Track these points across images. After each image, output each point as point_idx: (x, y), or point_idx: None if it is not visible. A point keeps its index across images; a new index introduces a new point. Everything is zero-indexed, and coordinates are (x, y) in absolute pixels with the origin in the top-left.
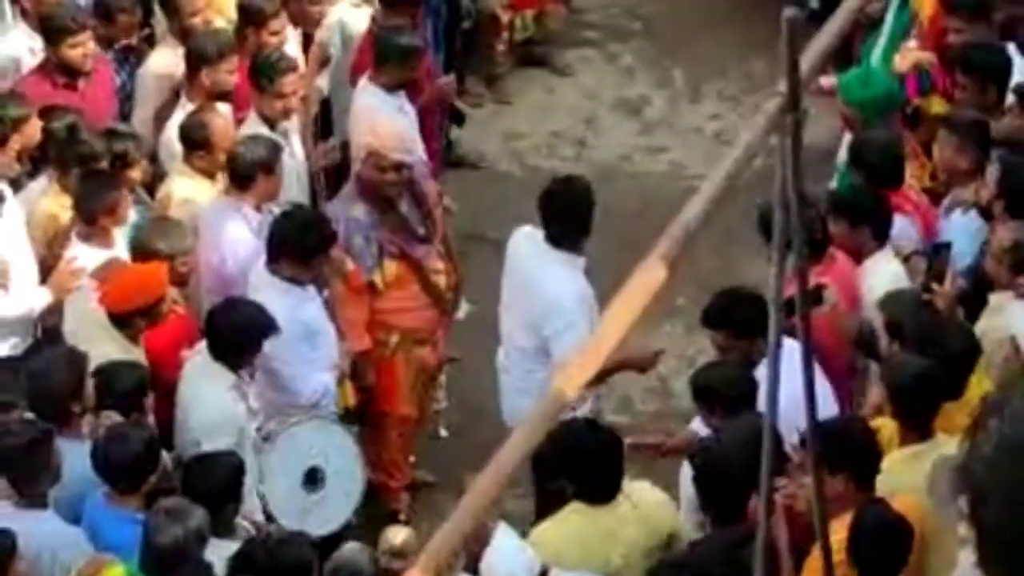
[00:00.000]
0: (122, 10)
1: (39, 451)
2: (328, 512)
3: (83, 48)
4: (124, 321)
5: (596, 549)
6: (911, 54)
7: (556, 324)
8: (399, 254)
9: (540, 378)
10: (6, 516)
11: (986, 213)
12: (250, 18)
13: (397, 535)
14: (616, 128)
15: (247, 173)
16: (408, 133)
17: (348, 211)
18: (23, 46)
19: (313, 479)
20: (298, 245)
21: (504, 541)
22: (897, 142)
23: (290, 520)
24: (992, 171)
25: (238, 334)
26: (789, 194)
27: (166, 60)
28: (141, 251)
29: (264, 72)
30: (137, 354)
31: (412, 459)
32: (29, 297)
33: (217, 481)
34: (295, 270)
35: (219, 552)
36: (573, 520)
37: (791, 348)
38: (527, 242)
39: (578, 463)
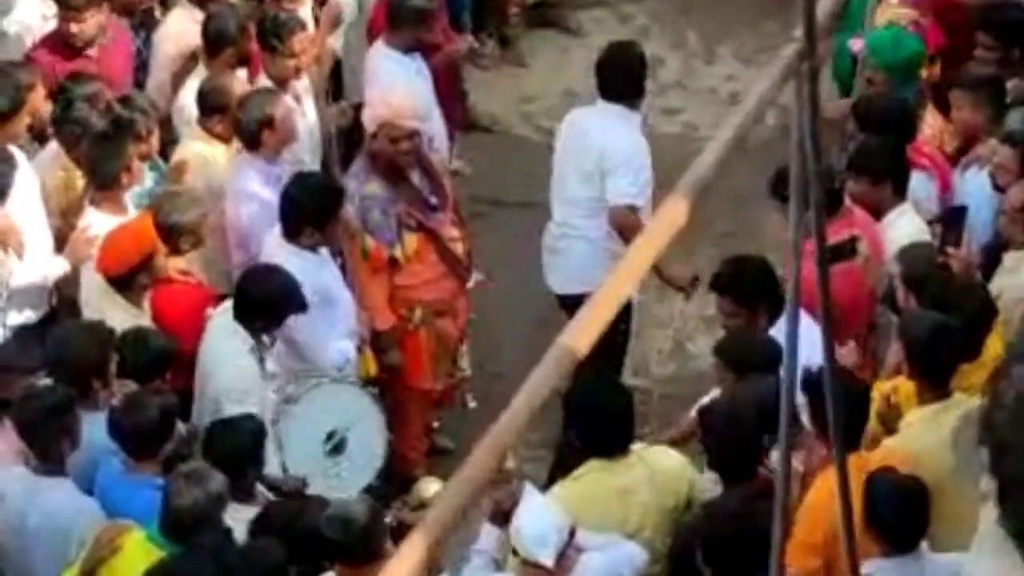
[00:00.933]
0: None
1: (61, 417)
2: (349, 475)
3: (94, 21)
4: (125, 283)
5: (613, 508)
6: (889, 10)
7: (615, 174)
8: (417, 226)
9: (590, 236)
10: (23, 481)
11: (997, 184)
12: None
13: (428, 488)
14: None
15: (251, 133)
16: (422, 98)
17: (363, 188)
18: (36, 12)
19: (335, 443)
20: (309, 211)
21: (533, 501)
22: (903, 97)
23: (310, 483)
24: (1008, 126)
25: (267, 302)
26: (806, 142)
27: (182, 24)
28: (161, 227)
29: (272, 32)
30: (144, 319)
31: (436, 424)
32: (44, 266)
33: (237, 445)
34: (310, 237)
35: (240, 516)
36: (589, 479)
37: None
38: (581, 109)
39: (585, 415)
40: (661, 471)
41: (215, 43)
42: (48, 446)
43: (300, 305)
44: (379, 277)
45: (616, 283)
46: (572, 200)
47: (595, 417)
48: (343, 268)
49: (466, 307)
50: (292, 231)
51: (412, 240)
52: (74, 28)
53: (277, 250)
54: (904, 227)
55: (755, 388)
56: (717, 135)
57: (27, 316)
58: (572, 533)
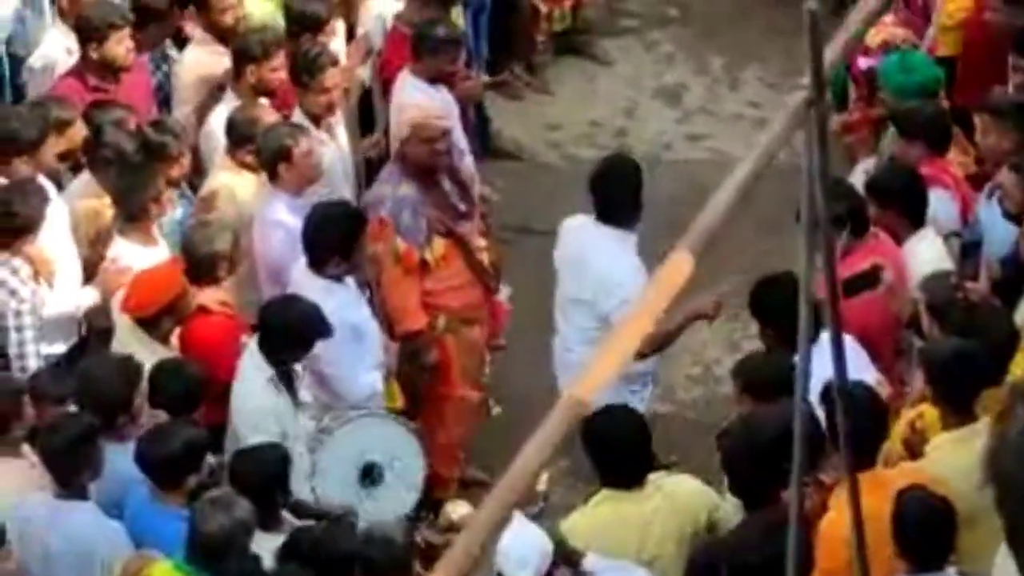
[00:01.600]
0: (160, 12)
1: (83, 447)
2: (383, 508)
3: (126, 43)
4: (152, 324)
5: (628, 538)
6: (884, 30)
7: (612, 300)
8: (445, 231)
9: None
10: (46, 505)
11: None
12: (306, 23)
13: (456, 509)
14: (656, 116)
15: (268, 165)
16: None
17: (395, 190)
18: (60, 46)
19: (370, 475)
20: (333, 241)
21: (518, 526)
22: (943, 109)
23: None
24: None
25: (289, 332)
26: (815, 188)
27: (200, 58)
28: (195, 260)
29: (304, 68)
30: (166, 355)
31: (461, 455)
32: (76, 295)
33: (263, 473)
34: (335, 266)
35: (267, 545)
36: (604, 509)
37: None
38: (577, 227)
39: (603, 448)
40: (680, 500)
41: (239, 61)
42: (69, 475)
43: (324, 331)
44: (411, 279)
45: (624, 336)
46: (572, 324)
47: (610, 448)
48: (371, 301)
49: (492, 318)
50: (317, 261)
51: (440, 244)
52: (95, 55)
53: (303, 281)
54: (924, 253)
55: (773, 412)
56: (723, 186)
57: (57, 346)
58: (575, 560)
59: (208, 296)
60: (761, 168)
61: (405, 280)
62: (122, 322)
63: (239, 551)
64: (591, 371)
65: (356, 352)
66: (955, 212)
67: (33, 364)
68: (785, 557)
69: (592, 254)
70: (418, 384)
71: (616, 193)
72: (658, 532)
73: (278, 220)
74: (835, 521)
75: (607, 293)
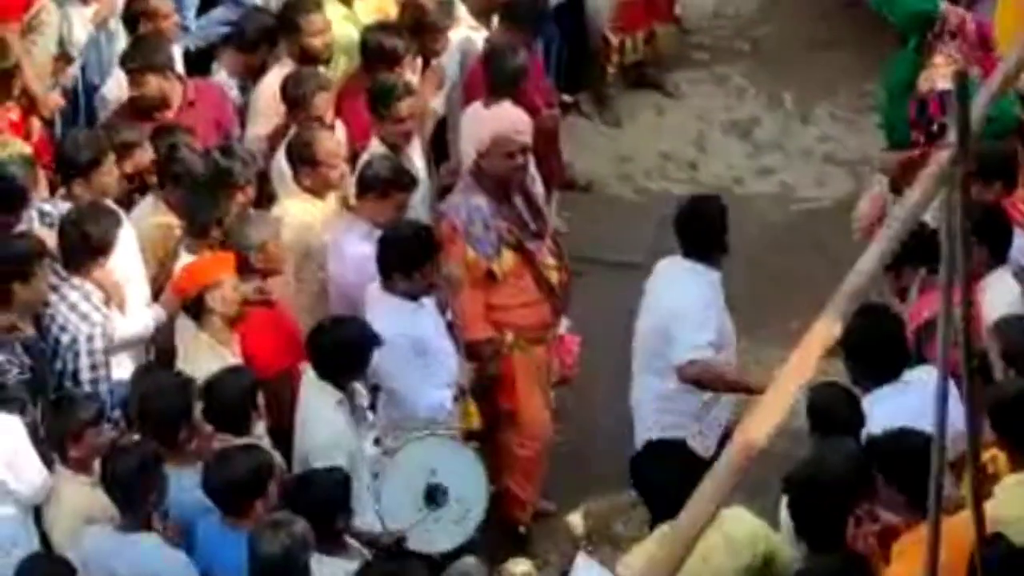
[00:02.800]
0: (257, 42)
1: (148, 473)
2: (447, 531)
3: (158, 83)
4: (198, 309)
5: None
6: (938, 71)
7: (679, 326)
8: (515, 244)
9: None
10: (108, 539)
11: None
12: (383, 58)
13: (517, 566)
14: (726, 150)
15: (362, 188)
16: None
17: (468, 200)
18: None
19: (434, 497)
20: (404, 259)
21: (584, 565)
22: (1012, 147)
23: (409, 538)
24: None
25: (340, 352)
26: (957, 247)
27: (278, 82)
28: (232, 245)
29: (381, 98)
30: (231, 356)
31: (538, 476)
32: (145, 316)
33: (321, 496)
34: (407, 284)
35: (329, 570)
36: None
37: (927, 379)
38: (664, 265)
39: (653, 484)
40: (735, 532)
41: (289, 104)
42: (134, 502)
43: (372, 343)
44: (476, 290)
45: (787, 383)
46: (642, 357)
47: (663, 487)
48: (451, 326)
49: (561, 349)
50: (384, 278)
51: (510, 257)
52: (135, 92)
53: (375, 298)
54: (998, 292)
55: (840, 452)
56: (872, 248)
57: (128, 370)
58: None
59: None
60: (909, 226)
61: (471, 290)
62: (185, 329)
63: (299, 570)
64: (759, 414)
65: (422, 368)
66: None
67: (104, 389)
68: None
69: (667, 284)
70: (483, 399)
71: (700, 234)
72: (715, 568)
73: (353, 249)
74: (899, 572)
75: (675, 326)
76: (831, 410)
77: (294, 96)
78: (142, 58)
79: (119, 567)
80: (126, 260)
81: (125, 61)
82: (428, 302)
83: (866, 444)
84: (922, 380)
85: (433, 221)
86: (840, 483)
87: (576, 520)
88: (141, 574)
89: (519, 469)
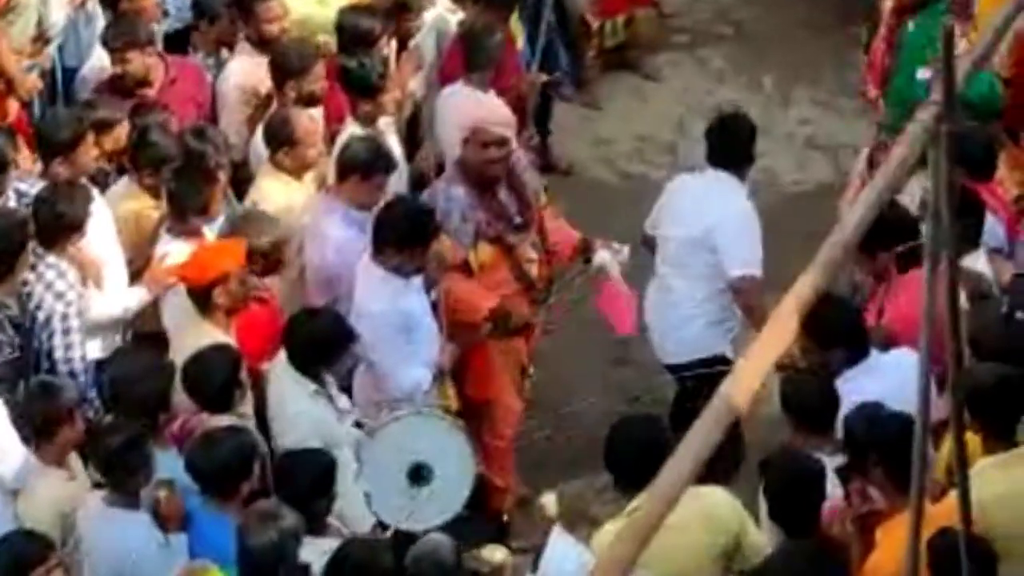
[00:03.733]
0: (215, 15)
1: (136, 450)
2: (434, 508)
3: (140, 60)
4: (204, 299)
5: (661, 544)
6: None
7: (724, 235)
8: (494, 238)
9: (708, 306)
10: (97, 513)
11: None
12: (359, 39)
13: (494, 553)
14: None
15: (343, 170)
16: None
17: (448, 190)
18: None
19: (419, 475)
20: (400, 234)
21: (559, 543)
22: (990, 134)
23: (394, 516)
24: None
25: (315, 345)
26: (942, 206)
27: (244, 68)
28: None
29: (358, 80)
30: (227, 341)
31: (512, 465)
32: (124, 297)
33: (308, 478)
34: (398, 259)
35: (309, 549)
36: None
37: (896, 359)
38: (685, 178)
39: (618, 454)
40: (712, 513)
41: (277, 76)
42: (125, 479)
43: (348, 338)
44: (461, 274)
45: (769, 342)
46: (676, 265)
47: (635, 454)
48: (435, 305)
49: (534, 332)
50: (376, 250)
51: (486, 250)
52: (119, 69)
53: (365, 268)
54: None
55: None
56: (858, 203)
57: (103, 348)
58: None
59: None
60: (895, 183)
61: (458, 275)
62: (181, 310)
63: (289, 562)
64: (742, 373)
65: (406, 344)
66: (1001, 233)
67: (79, 367)
68: None
69: (705, 198)
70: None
71: (732, 140)
72: (691, 542)
73: (334, 232)
74: (879, 561)
75: (723, 238)
76: (806, 399)
77: (292, 66)
78: (124, 35)
79: (101, 542)
80: (102, 239)
81: (107, 39)
82: (416, 280)
83: (844, 428)
84: (890, 363)
85: None
86: (816, 470)
87: (549, 500)
88: (121, 550)
89: (494, 459)
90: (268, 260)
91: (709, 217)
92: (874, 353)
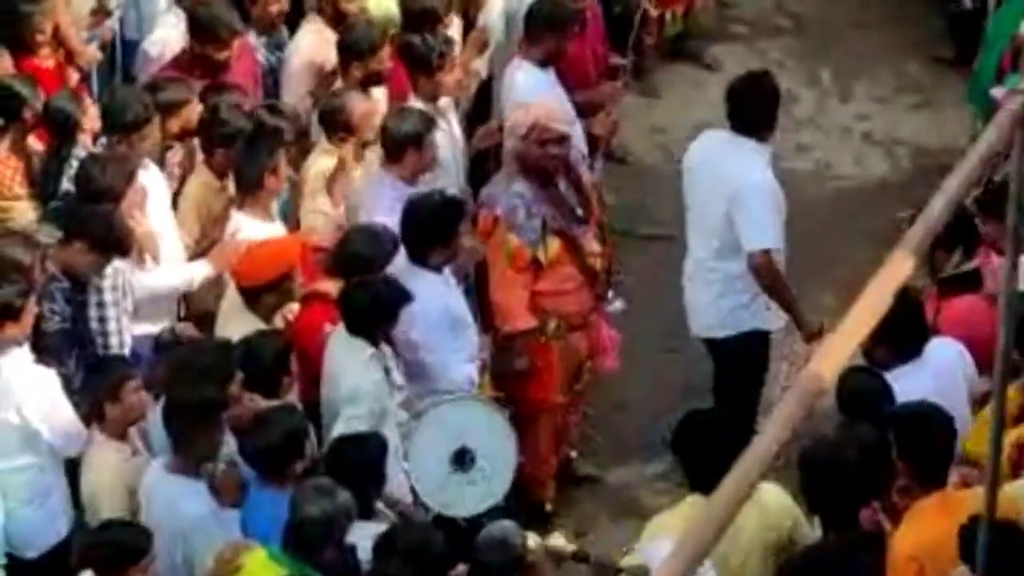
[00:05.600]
0: None
1: (205, 421)
2: (477, 493)
3: (228, 51)
4: (255, 297)
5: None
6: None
7: (744, 205)
8: (559, 232)
9: (740, 282)
10: (157, 478)
11: None
12: (423, 17)
13: (558, 539)
14: None
15: (396, 146)
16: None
17: (510, 186)
18: (177, 31)
19: (462, 459)
20: (435, 229)
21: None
22: None
23: (436, 500)
24: None
25: (372, 309)
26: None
27: (310, 42)
28: (344, 256)
29: (421, 59)
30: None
31: (574, 454)
32: (184, 270)
33: (362, 460)
34: (432, 255)
35: (358, 532)
36: (687, 513)
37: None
38: (707, 142)
39: (691, 450)
40: (769, 510)
41: (344, 56)
42: (185, 446)
43: (403, 298)
44: (521, 278)
45: (858, 321)
46: (707, 239)
47: (699, 454)
48: (467, 293)
49: (600, 326)
50: (416, 253)
51: (554, 245)
52: (218, 56)
53: (405, 271)
54: None
55: (855, 434)
56: (945, 185)
57: (154, 326)
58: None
59: (327, 285)
60: (977, 170)
61: (515, 279)
62: (231, 299)
63: (336, 540)
64: (829, 351)
65: (452, 341)
66: None
67: (115, 342)
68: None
69: (727, 163)
70: (508, 385)
71: (754, 103)
72: (745, 540)
73: (388, 206)
74: (901, 537)
75: (743, 208)
76: (862, 394)
77: (361, 48)
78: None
79: (159, 507)
80: (157, 213)
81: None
82: (448, 274)
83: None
84: (938, 358)
85: (472, 210)
86: (856, 464)
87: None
88: (177, 516)
89: (536, 455)
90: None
91: (729, 187)
92: (927, 349)
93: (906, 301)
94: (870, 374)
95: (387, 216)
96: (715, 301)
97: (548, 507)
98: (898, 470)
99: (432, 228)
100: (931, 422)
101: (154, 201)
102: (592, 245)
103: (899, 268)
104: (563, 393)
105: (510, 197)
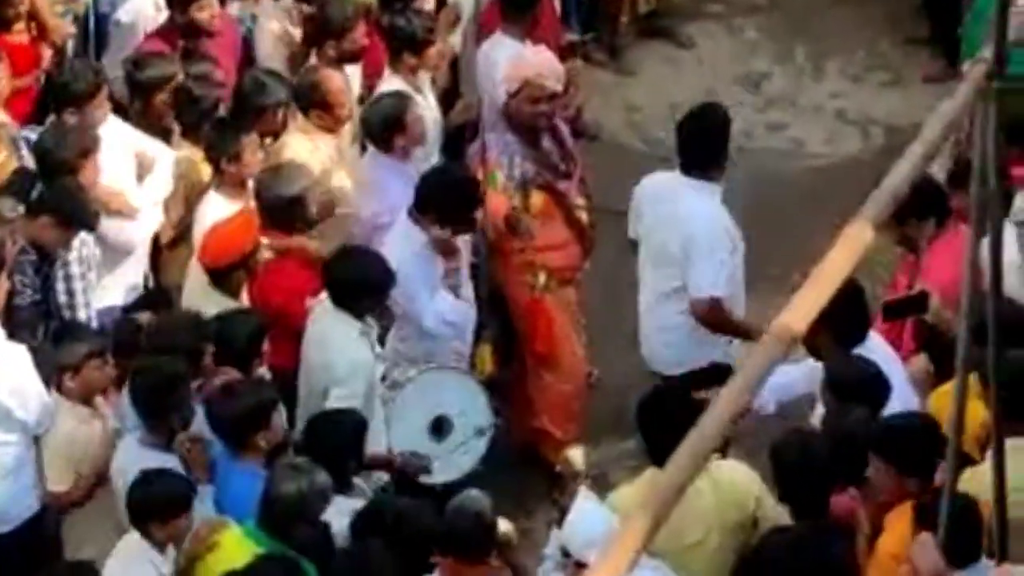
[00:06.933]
0: None
1: (172, 392)
2: (455, 460)
3: (210, 9)
4: (223, 276)
5: (671, 517)
6: None
7: (694, 250)
8: (545, 186)
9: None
10: (130, 451)
11: None
12: None
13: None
14: (736, 103)
15: (381, 136)
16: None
17: (501, 136)
18: (149, 2)
19: (440, 428)
20: (442, 204)
21: (585, 504)
22: None
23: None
24: None
25: (357, 282)
26: (989, 165)
27: (279, 17)
28: (263, 201)
29: (397, 35)
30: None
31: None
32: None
33: (339, 437)
34: (436, 229)
35: (335, 508)
36: (647, 486)
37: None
38: (658, 181)
39: (653, 424)
40: (726, 488)
41: (318, 34)
42: (159, 418)
43: (389, 279)
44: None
45: (828, 272)
46: (665, 278)
47: (660, 429)
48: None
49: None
50: (418, 217)
51: (540, 198)
52: (200, 16)
53: (402, 225)
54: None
55: (850, 417)
56: (908, 151)
57: (120, 298)
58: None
59: (280, 243)
60: (940, 138)
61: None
62: (196, 279)
63: (311, 519)
64: (799, 301)
65: (429, 301)
66: None
67: (83, 315)
68: (832, 566)
69: (674, 208)
70: (511, 348)
71: (701, 144)
72: (700, 515)
73: (386, 185)
74: (885, 536)
75: (692, 254)
76: (851, 382)
77: (335, 26)
78: None
79: (130, 479)
80: (116, 166)
81: None
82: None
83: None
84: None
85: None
86: (826, 451)
87: (576, 454)
88: None
89: (559, 408)
90: (298, 211)
91: (684, 230)
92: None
93: (846, 288)
94: (862, 361)
95: (384, 196)
96: (675, 337)
97: (559, 468)
98: (883, 474)
99: (440, 202)
100: (918, 432)
101: (114, 153)
102: (577, 198)
103: (862, 232)
104: (574, 346)
105: (501, 145)
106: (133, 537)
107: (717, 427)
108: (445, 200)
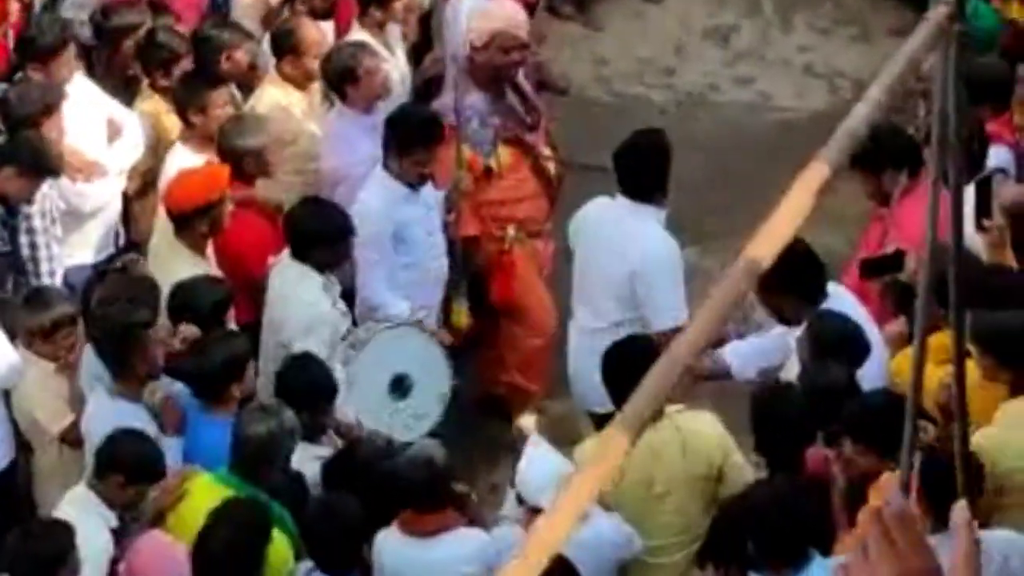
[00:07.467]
0: None
1: (133, 337)
2: (415, 418)
3: None
4: (186, 224)
5: (637, 466)
6: None
7: (648, 281)
8: (512, 139)
9: None
10: (100, 403)
11: None
12: None
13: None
14: (704, 56)
15: (334, 86)
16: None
17: (462, 98)
18: None
19: (400, 386)
20: (399, 137)
21: (535, 451)
22: (1004, 67)
23: (377, 426)
24: None
25: (315, 233)
26: (950, 110)
27: None
28: (225, 151)
29: None
30: (204, 267)
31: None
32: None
33: (312, 383)
34: (396, 165)
35: (309, 455)
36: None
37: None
38: (601, 208)
39: (617, 376)
40: (692, 439)
41: None
42: (124, 366)
43: (349, 228)
44: (476, 184)
45: (795, 199)
46: (603, 312)
47: (625, 381)
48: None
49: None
50: (385, 157)
51: (506, 153)
52: None
53: (373, 174)
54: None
55: (812, 375)
56: (868, 92)
57: (90, 256)
58: None
59: (241, 194)
60: (899, 80)
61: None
62: (162, 234)
63: (282, 461)
64: (764, 237)
65: (394, 255)
66: (1012, 168)
67: (46, 269)
68: (808, 520)
69: (625, 238)
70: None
71: (644, 170)
72: (668, 465)
73: (346, 137)
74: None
75: (647, 285)
76: (831, 338)
77: None
78: None
79: (103, 430)
80: (82, 125)
81: None
82: (429, 195)
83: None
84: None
85: None
86: (803, 403)
87: (528, 422)
88: None
89: (527, 361)
90: (258, 162)
91: (630, 262)
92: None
93: (795, 249)
94: (840, 318)
95: (348, 149)
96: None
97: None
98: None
99: (397, 135)
100: (887, 402)
101: (82, 111)
102: (544, 149)
103: (819, 171)
104: (542, 297)
105: (462, 109)
106: (81, 489)
107: (688, 351)
108: (405, 132)
